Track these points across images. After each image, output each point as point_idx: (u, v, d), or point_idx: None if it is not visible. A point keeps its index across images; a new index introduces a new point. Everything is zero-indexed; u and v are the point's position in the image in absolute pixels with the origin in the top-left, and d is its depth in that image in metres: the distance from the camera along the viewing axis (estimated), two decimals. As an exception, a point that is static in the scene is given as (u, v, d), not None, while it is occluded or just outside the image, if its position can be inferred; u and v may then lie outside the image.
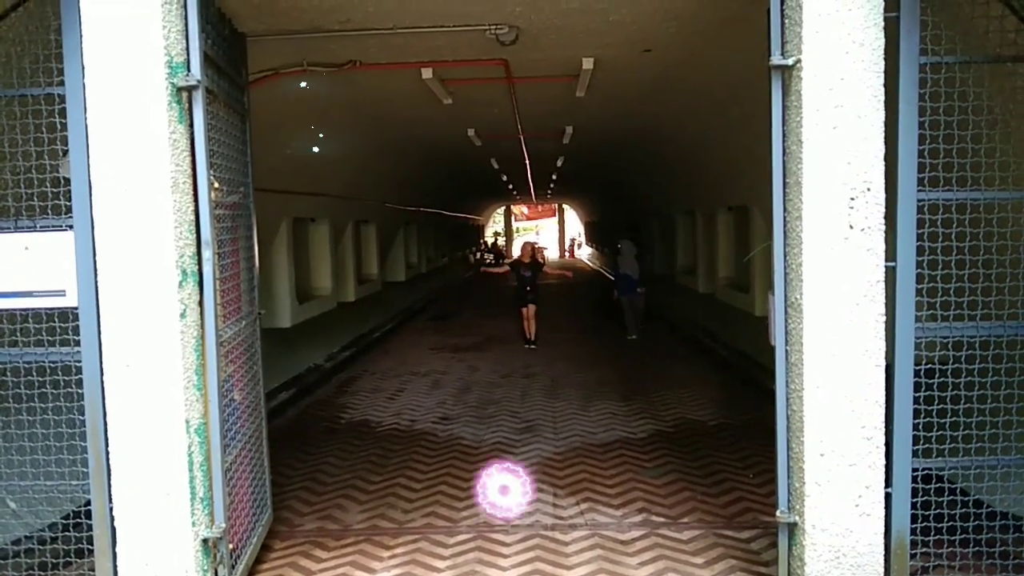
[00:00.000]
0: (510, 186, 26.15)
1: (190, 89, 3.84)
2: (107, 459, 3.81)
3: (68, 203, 3.86)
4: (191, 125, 3.90)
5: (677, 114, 10.06)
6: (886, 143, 3.63)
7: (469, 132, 11.61)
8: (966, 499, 3.80)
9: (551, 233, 51.75)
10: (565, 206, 47.55)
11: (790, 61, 3.68)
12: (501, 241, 45.33)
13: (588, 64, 6.87)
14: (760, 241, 10.10)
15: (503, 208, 47.01)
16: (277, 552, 5.11)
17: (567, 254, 47.30)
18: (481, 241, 40.09)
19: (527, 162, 16.14)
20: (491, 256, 36.45)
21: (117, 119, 3.73)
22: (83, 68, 3.74)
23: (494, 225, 49.81)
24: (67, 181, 3.88)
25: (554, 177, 22.73)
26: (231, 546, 4.18)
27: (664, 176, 14.99)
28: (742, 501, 5.78)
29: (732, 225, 12.19)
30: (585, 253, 42.88)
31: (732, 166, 10.31)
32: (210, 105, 4.05)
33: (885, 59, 3.60)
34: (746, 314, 10.85)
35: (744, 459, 6.72)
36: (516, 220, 52.57)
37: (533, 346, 12.79)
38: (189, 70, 3.83)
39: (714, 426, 7.91)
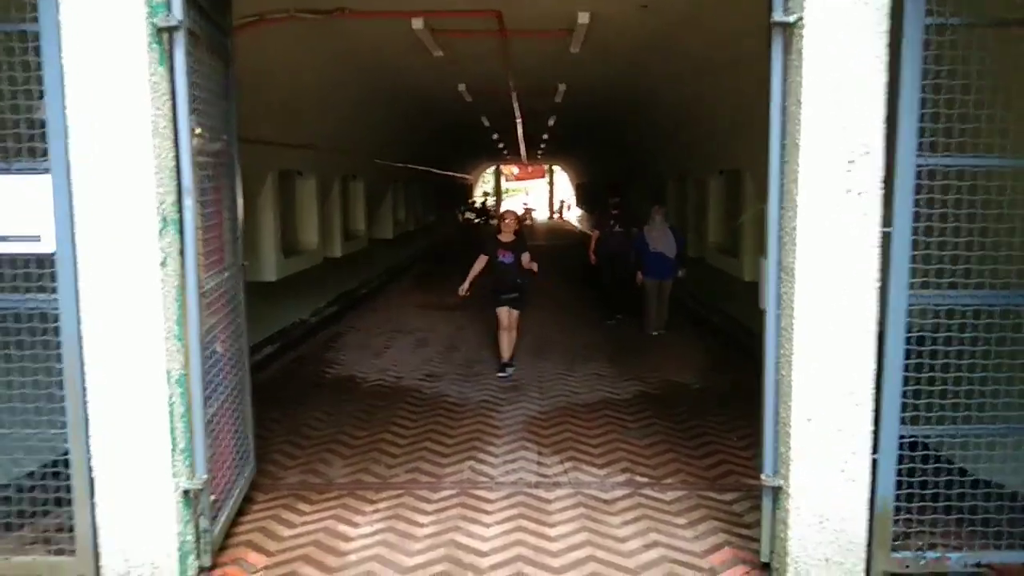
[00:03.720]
0: (500, 145, 25.91)
1: (171, 30, 3.69)
2: (85, 409, 3.75)
3: (44, 146, 3.73)
4: (172, 68, 3.76)
5: (671, 75, 9.91)
6: (885, 106, 3.54)
7: (460, 87, 11.42)
8: (951, 467, 3.81)
9: (541, 194, 51.49)
10: (555, 167, 47.24)
11: (792, 18, 3.57)
12: (491, 201, 45.01)
13: (584, 18, 6.72)
14: (752, 206, 10.06)
15: (493, 168, 46.67)
16: (260, 504, 5.09)
17: (556, 215, 47.11)
18: (469, 200, 39.76)
19: (518, 120, 15.93)
20: (474, 215, 36.07)
21: (94, 59, 3.59)
22: (58, 4, 3.58)
23: (484, 185, 49.46)
24: (43, 123, 3.74)
25: (545, 137, 22.53)
26: (213, 497, 4.15)
27: (656, 139, 14.86)
28: (725, 464, 5.80)
29: (723, 189, 12.13)
30: (575, 215, 42.71)
31: (725, 129, 10.21)
32: (192, 48, 3.90)
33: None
34: (734, 279, 10.86)
35: (727, 422, 6.73)
36: (506, 180, 52.22)
37: (505, 373, 8.38)
38: (170, 10, 3.67)
39: (698, 389, 7.93)
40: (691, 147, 12.76)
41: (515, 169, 50.36)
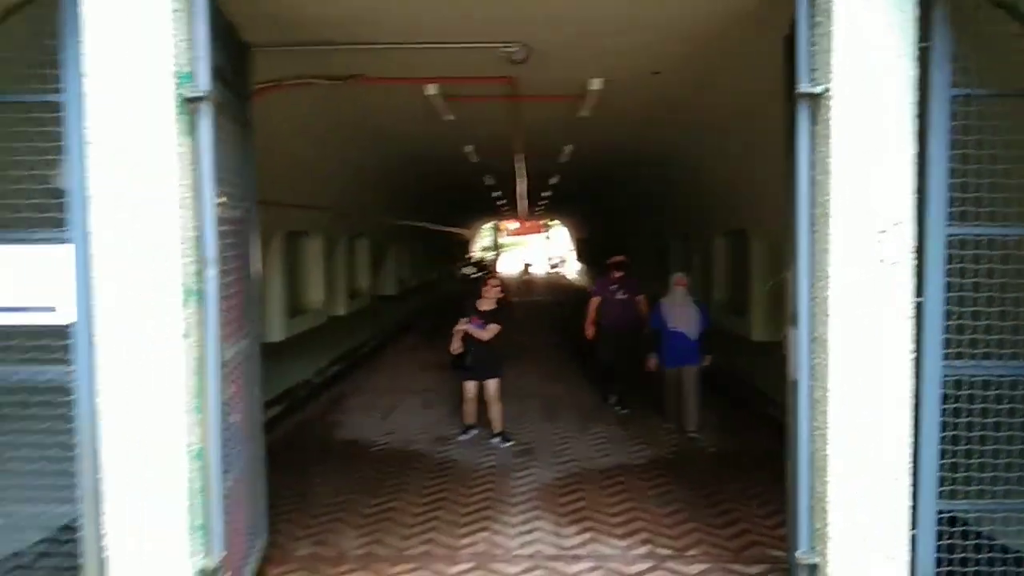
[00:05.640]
0: (501, 202, 26.07)
1: (197, 100, 3.70)
2: (98, 484, 3.63)
3: (63, 215, 3.69)
4: (197, 138, 3.75)
5: (679, 137, 10.01)
6: (915, 176, 3.54)
7: (467, 148, 11.50)
8: (992, 543, 3.69)
9: (539, 250, 51.77)
10: (555, 222, 47.58)
11: (819, 89, 3.59)
12: (489, 255, 45.33)
13: (596, 85, 6.79)
14: (758, 265, 10.05)
15: (491, 223, 46.95)
16: (271, 580, 4.93)
17: (554, 270, 47.56)
18: (467, 255, 40.07)
19: (521, 179, 16.03)
20: (473, 270, 36.52)
21: (120, 130, 3.58)
22: (81, 76, 3.58)
23: (481, 240, 49.72)
24: (63, 192, 3.71)
25: (546, 194, 22.68)
26: (227, 575, 4.00)
27: (661, 198, 14.95)
28: (748, 533, 5.64)
29: (729, 249, 12.14)
30: (572, 270, 43.17)
31: (732, 190, 10.26)
32: (216, 117, 3.91)
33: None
34: (742, 338, 10.76)
35: (745, 488, 6.57)
36: (504, 236, 52.48)
37: (467, 435, 8.11)
38: (197, 81, 3.69)
39: (712, 453, 7.78)
40: (696, 207, 12.83)
41: (513, 224, 50.62)
